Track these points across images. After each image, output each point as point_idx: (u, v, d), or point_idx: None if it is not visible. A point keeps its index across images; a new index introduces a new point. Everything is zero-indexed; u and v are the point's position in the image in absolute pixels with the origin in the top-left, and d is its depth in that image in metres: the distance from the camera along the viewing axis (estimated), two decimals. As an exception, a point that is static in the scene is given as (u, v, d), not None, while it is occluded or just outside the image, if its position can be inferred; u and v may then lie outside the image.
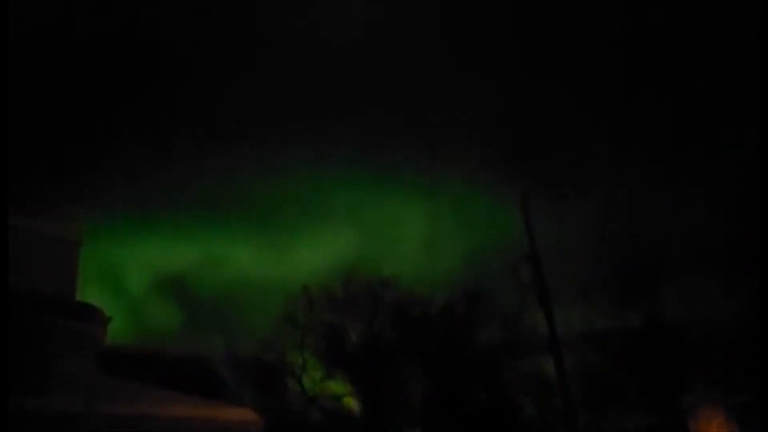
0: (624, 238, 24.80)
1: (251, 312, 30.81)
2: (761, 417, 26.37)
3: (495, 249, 27.76)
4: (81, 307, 15.04)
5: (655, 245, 27.24)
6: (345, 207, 31.66)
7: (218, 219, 32.32)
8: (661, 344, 28.26)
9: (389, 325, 28.85)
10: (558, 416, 26.11)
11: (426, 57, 31.60)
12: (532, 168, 28.83)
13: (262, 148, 32.03)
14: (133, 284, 34.37)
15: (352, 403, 28.87)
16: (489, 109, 30.76)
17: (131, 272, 34.27)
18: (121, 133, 31.90)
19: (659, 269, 27.60)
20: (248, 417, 21.95)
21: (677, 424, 29.22)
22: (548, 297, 24.63)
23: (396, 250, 30.62)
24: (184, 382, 24.09)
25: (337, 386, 29.01)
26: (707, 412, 29.97)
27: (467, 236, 30.18)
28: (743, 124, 27.21)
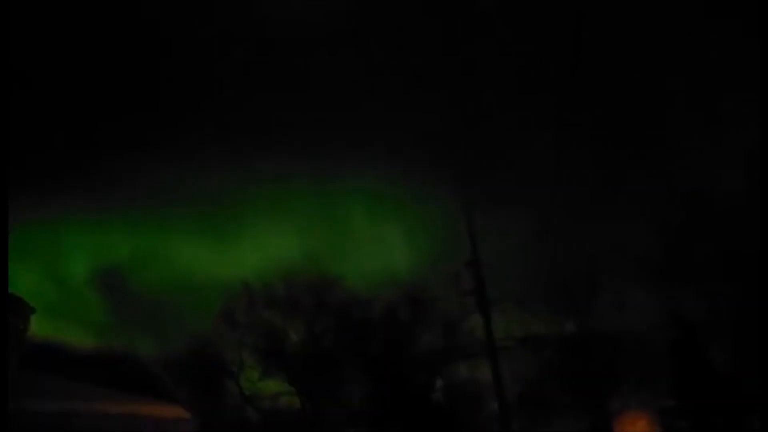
0: (562, 248, 25.61)
1: (190, 309, 30.15)
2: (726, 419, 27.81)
3: (439, 255, 28.12)
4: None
5: (592, 256, 28.17)
6: (290, 206, 31.36)
7: (159, 212, 31.45)
8: (593, 351, 29.25)
9: (331, 326, 28.81)
10: (493, 421, 26.68)
11: (372, 58, 31.70)
12: (477, 176, 29.34)
13: (207, 142, 31.36)
14: (70, 275, 33.03)
15: (291, 403, 28.68)
16: (435, 115, 31.13)
17: (70, 263, 32.94)
18: (65, 121, 30.71)
19: (594, 279, 28.59)
20: (179, 414, 21.53)
21: (604, 427, 30.34)
22: (487, 303, 25.12)
23: (340, 252, 30.56)
24: (117, 379, 23.42)
25: (275, 386, 28.78)
26: (633, 415, 31.24)
27: (412, 241, 30.44)
28: (680, 138, 28.48)
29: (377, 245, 30.75)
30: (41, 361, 19.09)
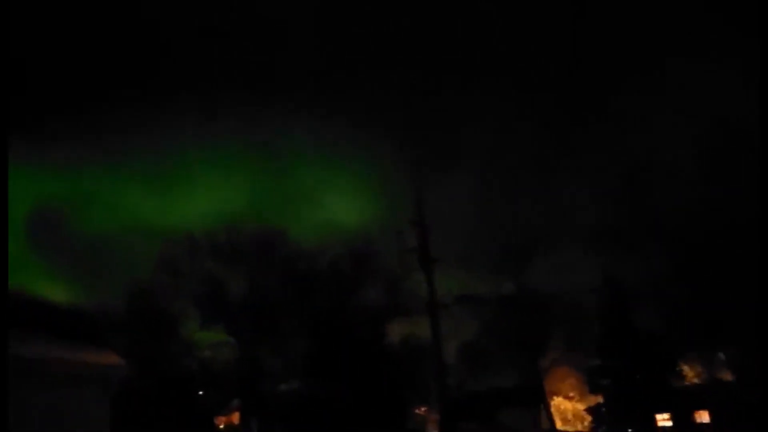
0: (504, 211, 26.36)
1: (131, 255, 29.41)
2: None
3: (384, 213, 28.35)
4: None
5: (531, 220, 29.05)
6: (239, 161, 30.76)
7: (106, 157, 30.23)
8: (528, 311, 30.38)
9: (274, 278, 28.67)
10: (431, 375, 27.43)
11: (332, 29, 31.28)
12: (424, 139, 29.57)
13: (158, 94, 30.27)
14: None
15: (231, 353, 28.60)
16: (385, 80, 31.06)
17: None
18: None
19: (533, 241, 29.52)
20: (111, 360, 21.14)
21: (536, 383, 31.79)
22: (430, 260, 25.50)
23: (286, 206, 30.32)
24: (52, 325, 22.70)
25: (215, 336, 28.58)
26: (562, 373, 32.86)
27: (358, 198, 30.48)
28: (619, 115, 29.42)
29: (324, 201, 30.70)
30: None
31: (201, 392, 27.84)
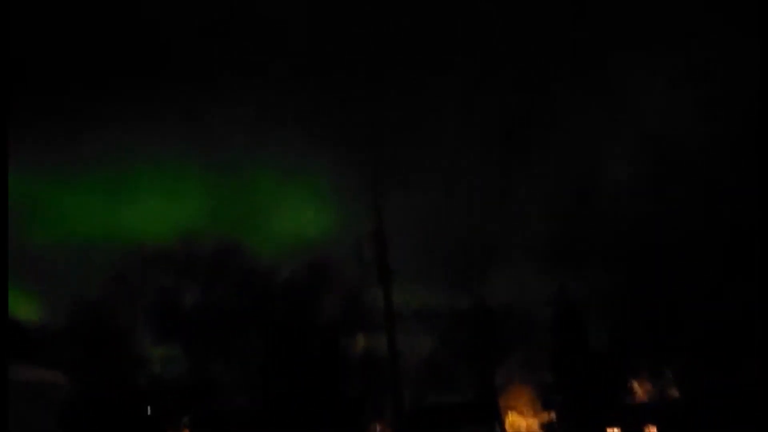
0: (460, 226, 26.77)
1: (79, 267, 28.49)
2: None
3: (342, 227, 28.36)
4: None
5: (487, 236, 29.54)
6: (193, 171, 30.34)
7: (49, 161, 29.31)
8: (483, 326, 30.66)
9: (229, 292, 28.22)
10: (386, 390, 27.30)
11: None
12: (385, 153, 29.83)
13: (108, 101, 29.73)
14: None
15: (182, 369, 27.88)
16: (341, 93, 31.38)
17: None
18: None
19: (489, 257, 29.94)
20: (53, 378, 20.33)
21: (491, 399, 31.97)
22: (388, 274, 25.56)
23: (243, 219, 29.99)
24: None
25: (167, 351, 27.86)
26: (516, 389, 33.15)
27: (316, 212, 30.43)
28: (575, 127, 30.37)
29: (281, 214, 30.53)
30: None
31: (150, 408, 27.03)
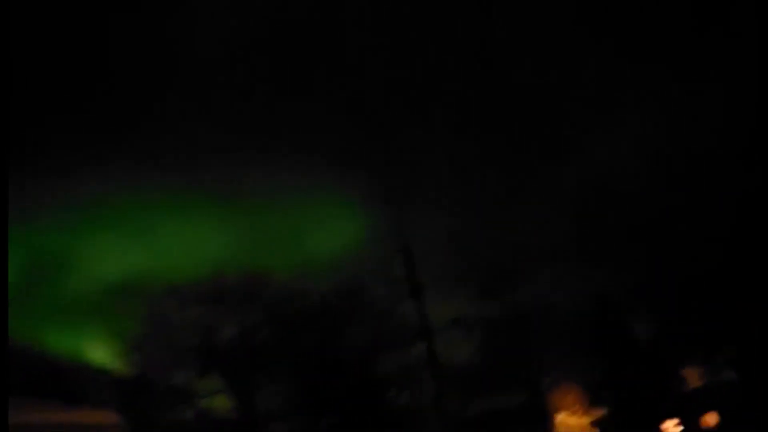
0: (487, 236, 26.59)
1: (116, 311, 29.22)
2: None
3: (368, 246, 28.45)
4: None
5: (512, 242, 29.22)
6: (211, 205, 30.76)
7: (77, 217, 30.11)
8: (521, 329, 30.26)
9: (262, 321, 28.57)
10: (429, 403, 27.23)
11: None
12: (406, 170, 29.91)
13: (119, 145, 30.38)
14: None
15: (225, 402, 28.35)
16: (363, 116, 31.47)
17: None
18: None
19: (516, 263, 29.56)
20: (108, 419, 20.98)
21: (538, 401, 31.53)
22: (420, 289, 25.61)
23: (266, 247, 30.26)
24: (43, 386, 22.57)
25: (209, 384, 28.35)
26: (564, 389, 32.56)
27: (340, 233, 30.51)
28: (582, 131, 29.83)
29: (304, 238, 30.70)
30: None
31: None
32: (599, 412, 31.54)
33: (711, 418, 29.41)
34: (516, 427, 30.52)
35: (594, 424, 32.29)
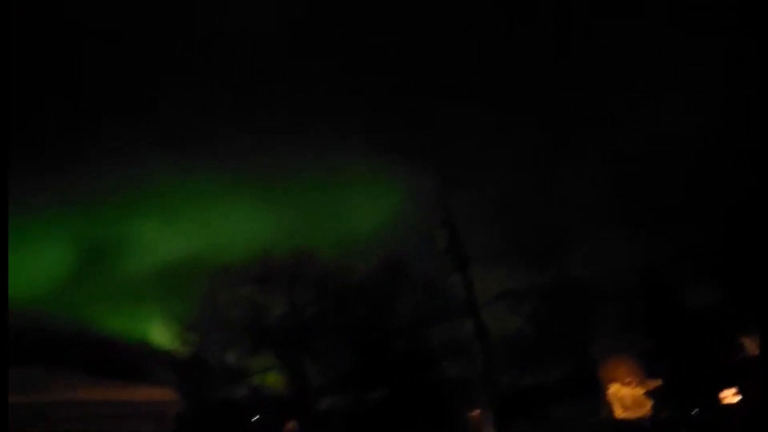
0: (530, 207, 26.19)
1: (167, 291, 30.10)
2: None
3: (411, 218, 28.43)
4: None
5: (560, 211, 28.76)
6: (253, 187, 31.19)
7: (129, 203, 30.98)
8: (570, 300, 29.82)
9: (311, 298, 28.95)
10: (479, 376, 27.16)
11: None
12: (448, 143, 29.67)
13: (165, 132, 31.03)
14: (55, 264, 32.35)
15: (277, 378, 28.93)
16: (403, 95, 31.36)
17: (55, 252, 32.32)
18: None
19: (564, 233, 29.05)
20: (165, 396, 21.69)
21: (589, 372, 31.11)
22: (465, 259, 25.42)
23: (313, 225, 30.58)
24: (102, 365, 23.50)
25: (261, 361, 28.96)
26: (615, 360, 32.03)
27: (379, 209, 30.59)
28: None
29: (351, 215, 30.88)
30: (23, 353, 19.13)
31: (255, 418, 28.23)
32: (654, 383, 30.94)
33: (771, 387, 28.50)
34: (566, 399, 30.20)
35: (648, 394, 31.71)
